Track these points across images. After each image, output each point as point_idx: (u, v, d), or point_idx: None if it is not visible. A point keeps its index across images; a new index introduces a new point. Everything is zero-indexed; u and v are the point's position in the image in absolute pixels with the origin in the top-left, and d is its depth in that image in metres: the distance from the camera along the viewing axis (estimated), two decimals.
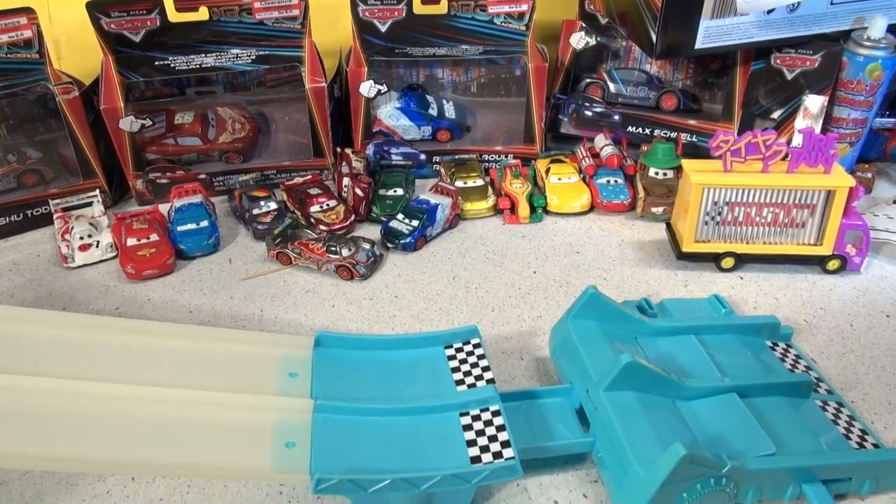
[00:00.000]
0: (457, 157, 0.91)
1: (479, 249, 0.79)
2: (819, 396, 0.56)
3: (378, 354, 0.57)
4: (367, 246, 0.75)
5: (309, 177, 0.87)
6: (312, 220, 0.80)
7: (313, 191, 0.84)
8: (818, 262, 0.72)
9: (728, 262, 0.72)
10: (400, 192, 0.85)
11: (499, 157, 0.92)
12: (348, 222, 0.80)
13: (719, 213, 0.70)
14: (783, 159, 0.67)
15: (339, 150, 0.87)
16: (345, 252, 0.73)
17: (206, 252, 0.78)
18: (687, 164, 0.70)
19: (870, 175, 0.87)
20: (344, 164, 0.85)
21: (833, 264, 0.72)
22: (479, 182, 0.86)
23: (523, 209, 0.82)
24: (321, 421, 0.48)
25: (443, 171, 0.89)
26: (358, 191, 0.81)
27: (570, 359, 0.56)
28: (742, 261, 0.72)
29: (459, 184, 0.86)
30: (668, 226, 0.77)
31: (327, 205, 0.82)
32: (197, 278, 0.75)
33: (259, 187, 0.84)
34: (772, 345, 0.61)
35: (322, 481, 0.43)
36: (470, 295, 0.72)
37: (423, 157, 0.91)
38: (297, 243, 0.75)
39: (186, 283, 0.74)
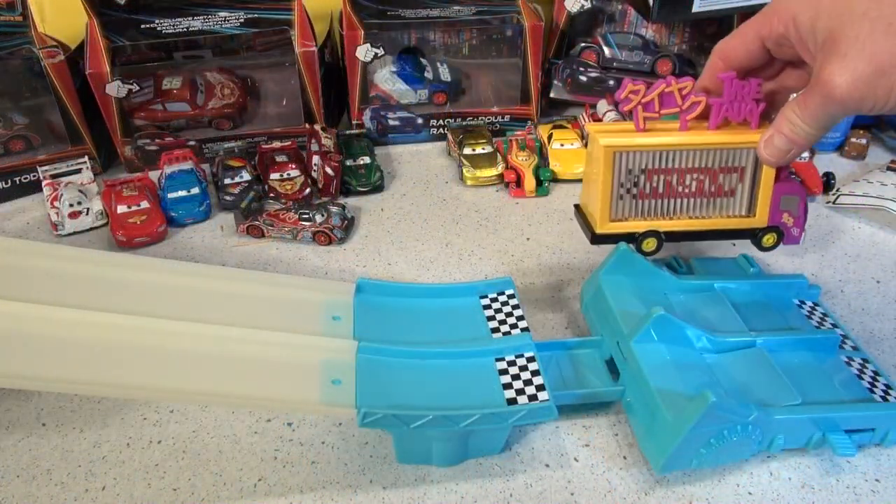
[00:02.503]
0: (465, 122, 0.91)
1: (472, 216, 0.79)
2: (845, 353, 0.57)
3: (416, 302, 0.59)
4: (336, 209, 0.74)
5: (289, 143, 0.85)
6: (267, 188, 0.79)
7: (280, 157, 0.82)
8: (751, 237, 0.60)
9: (651, 244, 0.59)
10: (367, 160, 0.84)
11: (495, 118, 0.91)
12: (302, 195, 0.79)
13: (635, 184, 0.58)
14: (704, 115, 0.56)
15: (307, 126, 0.85)
16: (318, 218, 0.73)
17: (197, 219, 0.78)
18: (593, 126, 0.59)
19: (864, 141, 0.87)
20: (313, 141, 0.83)
21: (769, 239, 0.60)
22: (489, 149, 0.85)
23: (529, 182, 0.81)
24: (364, 361, 0.50)
25: (450, 137, 0.88)
26: (328, 169, 0.79)
27: (600, 312, 0.58)
28: (666, 239, 0.60)
29: (468, 151, 0.85)
30: (577, 208, 0.63)
31: (287, 174, 0.80)
32: (188, 245, 0.74)
33: (236, 156, 0.83)
34: (799, 303, 0.62)
35: (368, 415, 0.46)
36: (463, 262, 0.72)
37: (420, 120, 0.90)
38: (267, 215, 0.74)
39: (178, 251, 0.74)
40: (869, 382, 0.54)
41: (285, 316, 0.55)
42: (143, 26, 0.80)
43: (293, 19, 0.82)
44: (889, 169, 0.81)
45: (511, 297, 0.58)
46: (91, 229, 0.76)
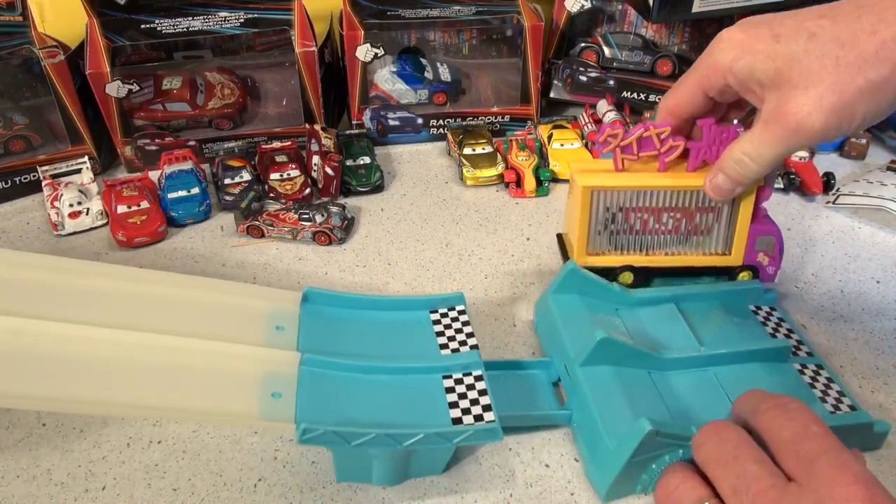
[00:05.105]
0: (465, 122, 0.91)
1: (472, 216, 0.79)
2: (798, 360, 0.56)
3: (364, 314, 0.57)
4: (336, 209, 0.74)
5: (288, 143, 0.85)
6: (266, 188, 0.79)
7: (280, 158, 0.82)
8: (726, 274, 0.62)
9: (626, 278, 0.62)
10: (367, 160, 0.84)
11: (495, 118, 0.91)
12: (302, 195, 0.79)
13: (612, 221, 0.60)
14: (682, 156, 0.57)
15: (307, 126, 0.85)
16: (318, 218, 0.73)
17: (197, 219, 0.78)
18: (575, 164, 0.60)
19: (863, 141, 0.87)
20: (313, 141, 0.83)
21: (744, 277, 0.62)
22: (488, 149, 0.85)
23: (529, 183, 0.81)
24: (307, 374, 0.49)
25: (450, 137, 0.88)
26: (328, 170, 0.79)
27: (550, 334, 0.57)
28: (642, 275, 0.62)
29: (468, 151, 0.85)
30: (560, 237, 0.67)
31: (287, 174, 0.80)
32: (188, 245, 0.74)
33: (236, 156, 0.83)
34: (755, 308, 0.61)
35: (308, 431, 0.44)
36: (463, 262, 0.72)
37: (420, 120, 0.90)
38: (267, 215, 0.74)
39: (178, 251, 0.74)
40: (821, 391, 0.53)
41: (227, 324, 0.52)
42: (143, 26, 0.80)
43: (293, 19, 0.82)
44: (889, 169, 0.81)
45: (462, 312, 0.57)
46: (91, 229, 0.76)
